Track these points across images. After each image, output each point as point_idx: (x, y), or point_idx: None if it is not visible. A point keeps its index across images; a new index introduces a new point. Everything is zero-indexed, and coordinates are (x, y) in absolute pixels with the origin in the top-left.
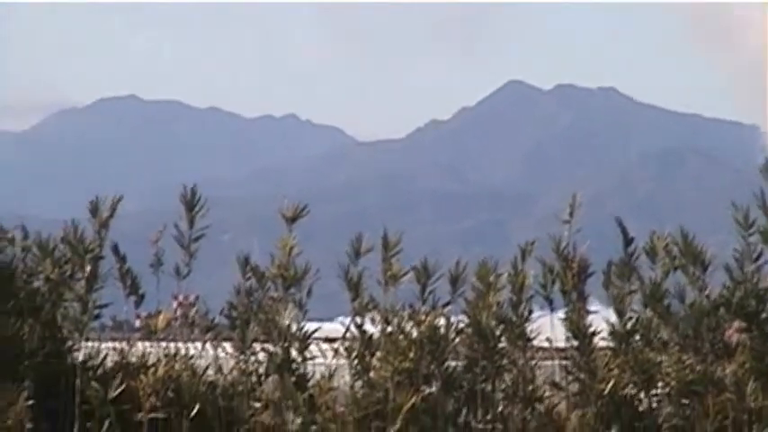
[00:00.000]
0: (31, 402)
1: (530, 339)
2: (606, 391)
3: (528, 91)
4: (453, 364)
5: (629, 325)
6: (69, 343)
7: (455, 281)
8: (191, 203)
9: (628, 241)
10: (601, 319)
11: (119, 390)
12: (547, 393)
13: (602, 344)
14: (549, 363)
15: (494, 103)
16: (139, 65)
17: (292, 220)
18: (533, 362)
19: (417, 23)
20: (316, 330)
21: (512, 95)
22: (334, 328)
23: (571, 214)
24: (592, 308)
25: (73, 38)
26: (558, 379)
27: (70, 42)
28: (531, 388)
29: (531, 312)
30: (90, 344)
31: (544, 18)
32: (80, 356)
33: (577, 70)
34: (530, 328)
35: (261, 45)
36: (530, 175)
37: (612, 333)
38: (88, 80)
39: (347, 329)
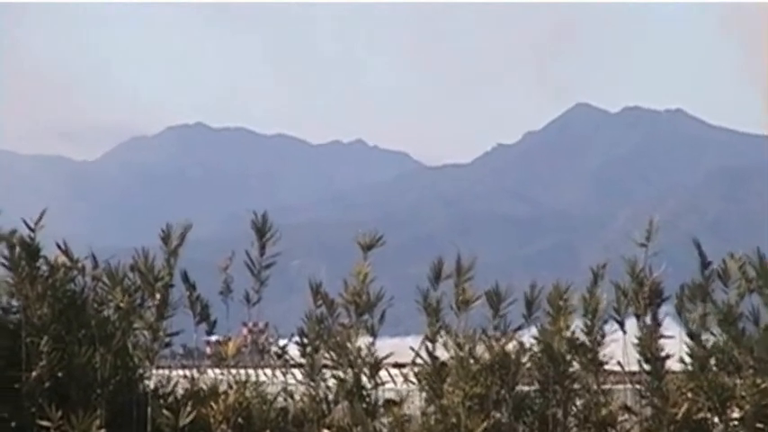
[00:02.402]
0: (103, 431)
1: (602, 364)
2: (679, 416)
3: (595, 114)
4: (525, 388)
5: (703, 349)
6: (140, 371)
7: (530, 305)
8: (262, 231)
9: (705, 264)
10: (675, 342)
11: (189, 417)
12: (620, 418)
13: (676, 367)
14: (621, 387)
15: (560, 127)
16: (206, 93)
17: (368, 248)
18: (606, 386)
19: (483, 50)
20: (387, 357)
21: (578, 118)
22: (395, 343)
23: (648, 238)
24: (667, 332)
25: (140, 67)
26: (630, 403)
27: (138, 72)
28: (603, 412)
29: (603, 336)
30: (161, 371)
31: (610, 42)
32: (151, 384)
33: (644, 92)
34: (602, 352)
35: (327, 71)
36: (598, 198)
37: (686, 357)
38: (157, 108)
39: (416, 354)
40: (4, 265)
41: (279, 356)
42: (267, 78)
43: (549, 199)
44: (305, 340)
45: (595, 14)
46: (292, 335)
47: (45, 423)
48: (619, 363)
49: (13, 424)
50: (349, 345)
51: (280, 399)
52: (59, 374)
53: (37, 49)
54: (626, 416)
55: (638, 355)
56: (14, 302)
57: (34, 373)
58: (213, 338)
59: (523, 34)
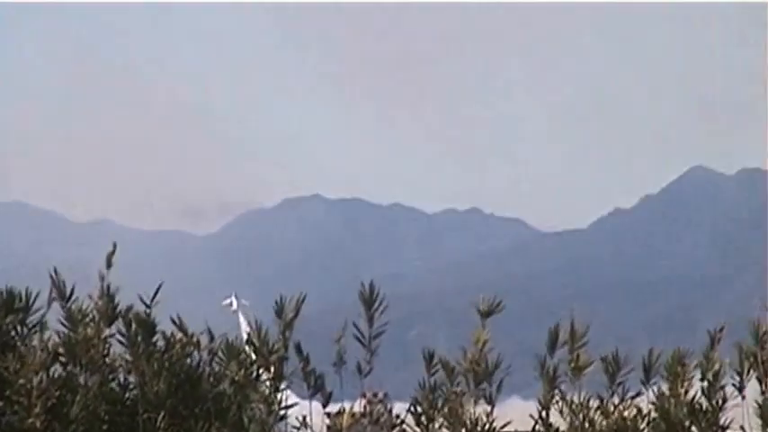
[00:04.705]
0: None
1: (723, 429)
2: None
3: (712, 176)
4: None
5: None
6: None
7: (647, 370)
8: (369, 300)
9: None
10: None
11: None
12: None
13: None
14: None
15: (677, 190)
16: (323, 164)
17: (487, 314)
18: None
19: (591, 115)
20: (506, 425)
21: (695, 181)
22: (512, 403)
23: None
24: None
25: (258, 140)
26: None
27: (255, 144)
28: None
29: (725, 401)
30: None
31: (723, 101)
32: None
33: (761, 154)
34: (723, 417)
35: (444, 139)
36: (717, 261)
37: None
38: (274, 181)
39: (535, 422)
40: (121, 342)
41: (393, 427)
42: (383, 149)
43: (668, 263)
44: (419, 409)
45: (709, 70)
46: (411, 405)
47: None
48: (741, 427)
49: None
50: (464, 413)
51: None
52: None
53: (148, 122)
54: None
55: (759, 420)
56: (131, 379)
57: None
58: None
59: (635, 96)
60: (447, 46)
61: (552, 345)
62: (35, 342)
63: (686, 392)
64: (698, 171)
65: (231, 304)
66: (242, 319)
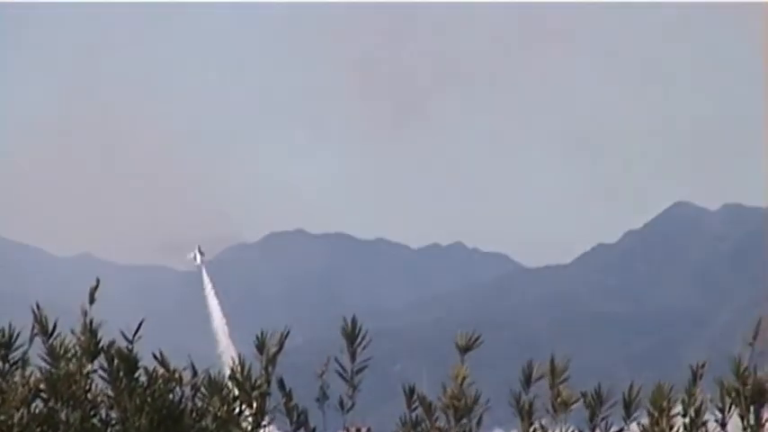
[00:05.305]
0: None
1: None
2: None
3: (694, 211)
4: None
5: None
6: None
7: (627, 406)
8: (351, 336)
9: None
10: None
11: None
12: None
13: None
14: None
15: (660, 225)
16: (307, 199)
17: (465, 349)
18: None
19: (574, 151)
20: None
21: (678, 216)
22: None
23: (755, 336)
24: None
25: (241, 175)
26: None
27: (239, 179)
28: None
29: None
30: None
31: (706, 135)
32: None
33: (743, 189)
34: None
35: (427, 175)
36: (700, 296)
37: None
38: (258, 216)
39: None
40: (102, 378)
41: None
42: (366, 183)
43: (651, 298)
44: None
45: (692, 104)
46: None
47: None
48: None
49: None
50: None
51: None
52: None
53: (129, 156)
54: None
55: None
56: (113, 414)
57: None
58: None
59: (610, 131)
60: (429, 81)
61: (527, 380)
62: (17, 378)
63: (670, 428)
64: (681, 206)
65: (195, 258)
66: (205, 275)
